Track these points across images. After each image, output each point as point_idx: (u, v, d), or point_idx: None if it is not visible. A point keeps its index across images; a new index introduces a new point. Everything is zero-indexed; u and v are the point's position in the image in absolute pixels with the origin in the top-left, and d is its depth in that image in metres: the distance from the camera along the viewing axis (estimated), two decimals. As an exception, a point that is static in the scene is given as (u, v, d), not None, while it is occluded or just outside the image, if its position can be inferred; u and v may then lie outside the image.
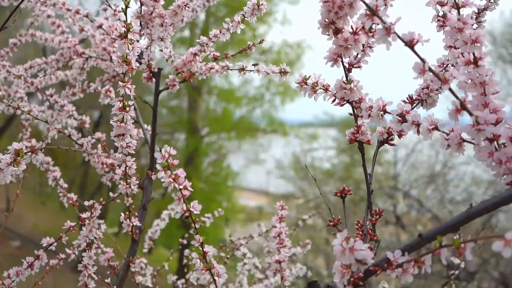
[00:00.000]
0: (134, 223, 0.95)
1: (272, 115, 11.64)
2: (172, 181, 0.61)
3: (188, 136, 11.34)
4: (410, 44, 0.49)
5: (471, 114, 0.50)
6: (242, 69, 0.93)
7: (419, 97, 0.68)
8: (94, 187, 8.66)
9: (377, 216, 0.62)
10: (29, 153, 0.67)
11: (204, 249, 0.64)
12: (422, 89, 0.67)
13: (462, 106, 0.50)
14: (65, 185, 1.08)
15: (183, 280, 1.38)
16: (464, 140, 0.53)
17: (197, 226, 0.65)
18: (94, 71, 1.31)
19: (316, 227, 7.23)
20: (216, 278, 0.63)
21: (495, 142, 0.50)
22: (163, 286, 1.61)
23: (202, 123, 11.77)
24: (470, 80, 0.54)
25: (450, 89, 0.50)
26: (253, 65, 0.94)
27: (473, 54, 0.52)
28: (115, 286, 0.92)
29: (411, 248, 0.51)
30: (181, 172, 0.62)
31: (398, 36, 0.49)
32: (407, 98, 0.68)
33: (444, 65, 0.68)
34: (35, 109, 1.14)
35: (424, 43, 0.49)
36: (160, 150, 0.60)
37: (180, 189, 0.61)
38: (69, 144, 1.10)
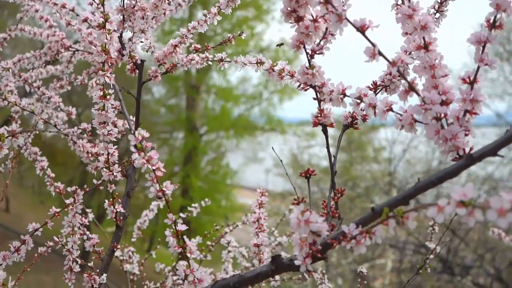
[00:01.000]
0: (118, 210, 0.99)
1: (270, 113, 11.69)
2: (145, 162, 0.64)
3: (186, 134, 11.38)
4: (361, 29, 0.53)
5: (419, 95, 0.53)
6: (221, 60, 0.97)
7: (382, 83, 0.71)
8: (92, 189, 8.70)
9: (339, 195, 0.65)
10: (10, 137, 0.70)
11: (177, 228, 0.67)
12: (386, 75, 0.71)
13: (410, 87, 0.54)
14: (52, 175, 1.11)
15: (169, 268, 1.41)
16: (416, 120, 0.56)
17: (168, 205, 0.68)
18: (82, 65, 1.34)
19: None
20: (188, 255, 0.67)
21: (442, 121, 0.53)
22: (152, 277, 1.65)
23: (201, 121, 11.81)
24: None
25: (398, 71, 0.53)
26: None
27: (423, 39, 0.56)
28: (98, 270, 0.95)
29: (365, 221, 0.54)
30: (154, 154, 0.65)
31: (350, 22, 0.52)
32: (372, 84, 0.72)
33: (407, 52, 0.71)
34: (24, 101, 1.17)
35: (373, 29, 0.52)
36: (134, 134, 0.63)
37: (154, 170, 0.65)
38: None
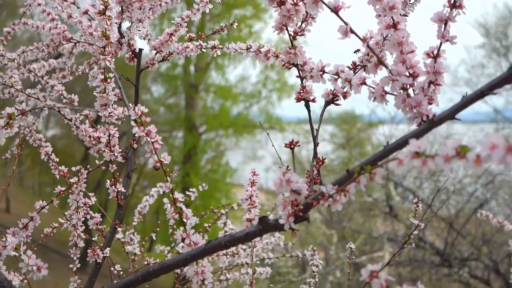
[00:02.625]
0: (119, 189, 1.05)
1: (269, 112, 11.75)
2: (145, 135, 0.70)
3: (186, 133, 11.44)
4: (335, 10, 0.59)
5: (387, 68, 0.60)
6: (214, 47, 1.03)
7: (361, 63, 0.78)
8: (93, 185, 8.77)
9: (321, 163, 0.71)
10: (20, 115, 0.77)
11: (174, 196, 0.73)
12: (364, 55, 0.77)
13: (379, 61, 0.60)
14: (57, 159, 1.17)
15: (169, 248, 1.48)
16: (386, 92, 0.63)
17: (168, 179, 0.75)
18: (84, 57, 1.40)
19: (315, 222, 7.36)
20: (184, 220, 0.73)
21: (409, 91, 0.60)
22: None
23: (200, 120, 11.86)
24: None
25: (368, 46, 0.59)
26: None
27: (392, 18, 0.62)
28: (101, 245, 1.02)
29: (341, 182, 0.61)
30: (152, 128, 0.71)
31: (325, 3, 0.59)
32: (351, 64, 0.78)
33: (384, 36, 0.77)
34: (28, 90, 1.23)
35: (346, 9, 0.59)
36: (134, 109, 0.70)
37: (152, 142, 0.71)
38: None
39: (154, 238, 1.46)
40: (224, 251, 1.31)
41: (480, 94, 0.54)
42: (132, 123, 0.70)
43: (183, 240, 0.72)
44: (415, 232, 1.12)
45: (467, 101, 0.55)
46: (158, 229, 1.51)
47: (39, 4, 1.27)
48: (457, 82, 9.32)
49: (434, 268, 6.01)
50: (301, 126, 11.26)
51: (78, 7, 1.16)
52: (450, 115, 0.56)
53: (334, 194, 0.59)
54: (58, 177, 1.15)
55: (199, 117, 12.03)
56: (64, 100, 1.15)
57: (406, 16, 0.77)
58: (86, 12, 1.15)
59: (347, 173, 0.61)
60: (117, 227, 1.07)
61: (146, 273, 0.67)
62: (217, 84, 12.25)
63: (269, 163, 11.97)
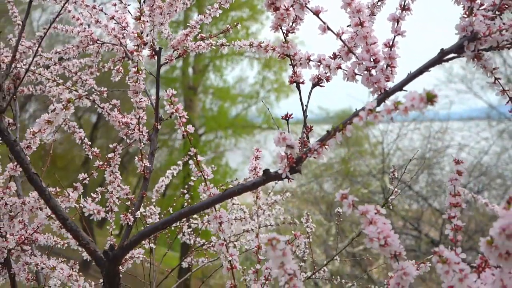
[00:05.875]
0: (145, 164, 1.27)
1: (267, 112, 11.96)
2: (174, 111, 0.92)
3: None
4: (316, 13, 0.81)
5: (354, 55, 0.82)
6: (222, 45, 1.25)
7: (339, 53, 0.99)
8: (95, 188, 8.98)
9: (309, 130, 0.93)
10: (77, 99, 0.98)
11: (197, 158, 0.95)
12: (340, 47, 0.99)
13: (349, 50, 0.82)
14: (89, 143, 1.39)
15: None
16: (355, 73, 0.85)
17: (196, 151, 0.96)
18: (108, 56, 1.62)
19: (317, 221, 7.59)
20: (205, 177, 0.95)
21: (371, 72, 0.82)
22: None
23: (199, 122, 12.07)
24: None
25: (341, 39, 0.81)
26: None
27: (359, 19, 0.84)
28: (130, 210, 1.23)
29: (322, 139, 0.82)
30: (180, 106, 0.93)
31: (308, 9, 0.81)
32: (332, 54, 1.00)
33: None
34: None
35: (324, 12, 0.81)
36: (166, 90, 0.91)
37: (180, 117, 0.93)
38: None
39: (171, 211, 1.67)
40: (233, 217, 1.53)
41: (419, 72, 0.76)
42: (165, 102, 0.92)
43: (204, 192, 0.94)
44: (392, 197, 1.34)
45: (410, 77, 0.77)
46: (174, 204, 1.72)
47: (70, 11, 1.49)
48: (452, 78, 9.54)
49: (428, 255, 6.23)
50: (299, 126, 11.45)
51: (105, 14, 1.38)
52: (398, 88, 0.78)
53: (318, 148, 0.81)
54: (91, 157, 1.37)
55: (198, 119, 12.22)
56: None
57: (374, 15, 0.99)
58: (112, 17, 1.37)
59: (327, 132, 0.82)
60: (144, 195, 1.29)
61: (178, 214, 0.89)
62: (215, 85, 12.46)
63: (269, 162, 12.15)
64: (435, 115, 9.00)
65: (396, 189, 1.33)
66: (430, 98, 0.59)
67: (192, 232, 1.73)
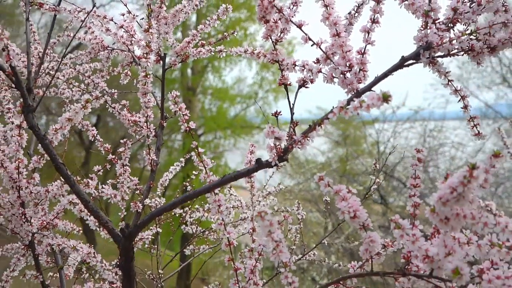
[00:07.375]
0: (153, 158, 1.42)
1: (266, 112, 12.11)
2: (178, 110, 1.07)
3: (184, 136, 11.80)
4: (299, 26, 0.96)
5: (332, 61, 0.97)
6: (220, 51, 1.40)
7: (322, 58, 1.14)
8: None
9: (295, 125, 1.08)
10: (95, 100, 1.13)
11: (198, 150, 1.10)
12: (321, 55, 1.14)
13: (327, 57, 0.97)
14: (101, 140, 1.54)
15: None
16: (333, 76, 1.00)
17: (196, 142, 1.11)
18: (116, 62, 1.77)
19: (317, 222, 7.75)
20: (205, 166, 1.10)
21: (346, 75, 0.97)
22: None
23: (198, 122, 12.22)
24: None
25: (320, 48, 0.97)
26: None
27: (336, 30, 0.99)
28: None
29: (305, 132, 0.97)
30: (183, 105, 1.08)
31: (292, 22, 0.96)
32: (316, 59, 1.15)
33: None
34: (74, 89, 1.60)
35: (306, 25, 0.96)
36: (171, 92, 1.07)
37: (183, 114, 1.08)
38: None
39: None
40: (231, 205, 1.68)
41: (384, 75, 0.91)
42: (169, 102, 1.07)
43: (205, 179, 1.09)
44: (374, 186, 1.49)
45: (377, 80, 0.92)
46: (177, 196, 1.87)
47: (82, 21, 1.64)
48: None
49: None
50: (298, 126, 11.60)
51: (115, 23, 1.53)
52: (367, 89, 0.93)
53: (301, 140, 0.96)
54: (103, 152, 1.51)
55: (197, 119, 12.37)
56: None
57: (352, 25, 1.15)
58: (121, 26, 1.52)
59: (309, 127, 0.98)
60: (151, 186, 1.44)
61: (185, 197, 1.04)
62: (214, 86, 12.61)
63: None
64: (431, 114, 9.18)
65: (378, 180, 1.48)
66: (385, 98, 0.75)
67: (194, 222, 1.88)
